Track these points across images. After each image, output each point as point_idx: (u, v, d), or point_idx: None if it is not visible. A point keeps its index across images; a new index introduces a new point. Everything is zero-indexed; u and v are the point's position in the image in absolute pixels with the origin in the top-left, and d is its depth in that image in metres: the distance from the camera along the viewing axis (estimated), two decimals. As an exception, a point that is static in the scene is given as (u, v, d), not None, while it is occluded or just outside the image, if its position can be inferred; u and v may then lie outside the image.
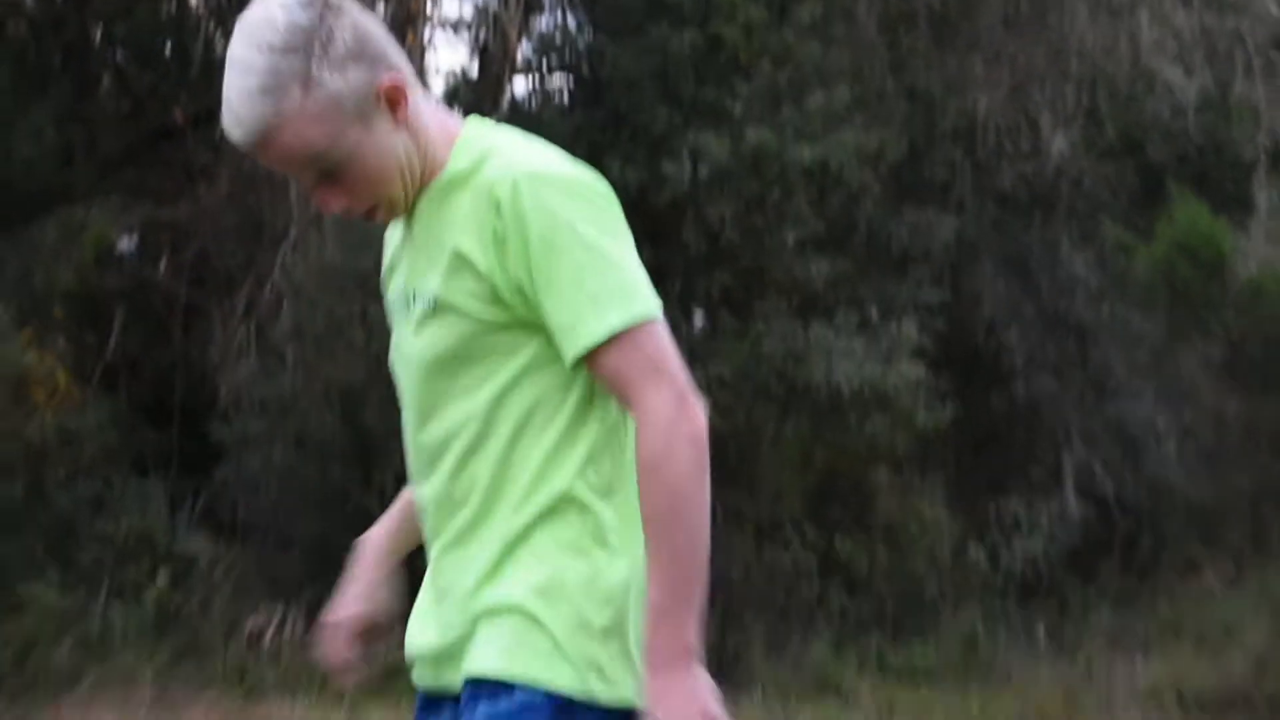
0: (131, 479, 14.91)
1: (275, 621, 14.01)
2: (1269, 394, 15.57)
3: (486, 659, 2.66)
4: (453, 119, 2.97)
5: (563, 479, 2.67)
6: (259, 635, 13.90)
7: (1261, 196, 16.43)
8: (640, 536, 2.62)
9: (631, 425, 2.62)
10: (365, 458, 14.09)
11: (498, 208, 2.61)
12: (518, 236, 2.61)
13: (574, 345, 2.57)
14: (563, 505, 2.66)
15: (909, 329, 15.15)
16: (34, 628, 12.95)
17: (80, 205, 16.49)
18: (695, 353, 14.10)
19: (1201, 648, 14.85)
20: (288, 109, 2.60)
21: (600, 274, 2.62)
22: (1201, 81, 17.27)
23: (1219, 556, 17.33)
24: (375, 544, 3.23)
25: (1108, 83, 16.94)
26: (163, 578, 13.98)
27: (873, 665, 14.46)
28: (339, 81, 2.64)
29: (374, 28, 2.84)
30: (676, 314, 15.05)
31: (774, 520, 15.06)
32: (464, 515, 2.74)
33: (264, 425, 14.75)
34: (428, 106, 2.91)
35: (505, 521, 2.71)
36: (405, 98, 2.71)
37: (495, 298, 2.65)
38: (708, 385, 15.14)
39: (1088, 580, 17.24)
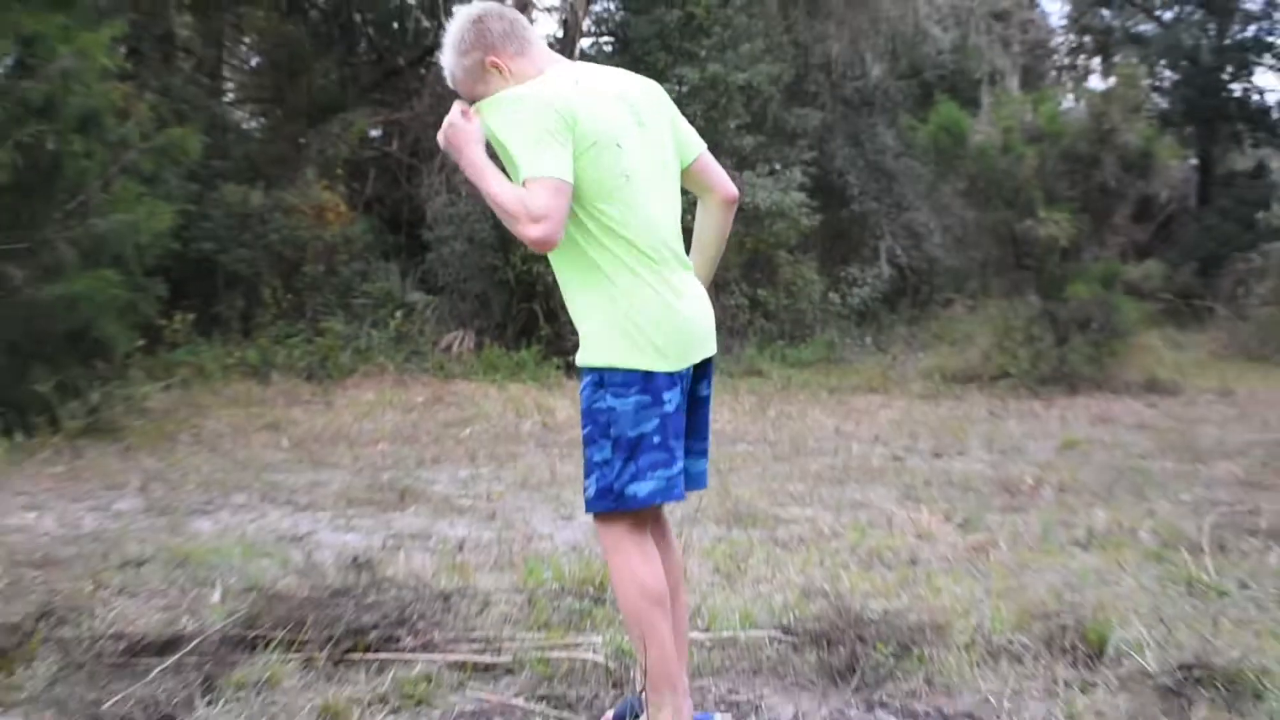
0: (380, 261, 19.31)
1: (457, 339, 18.46)
2: (987, 209, 18.25)
3: None
4: (549, 61, 4.26)
5: None
6: (449, 346, 18.28)
7: (984, 100, 20.58)
8: (603, 290, 3.96)
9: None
10: (505, 247, 18.07)
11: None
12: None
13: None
14: None
15: (795, 174, 19.50)
16: (330, 343, 17.07)
17: (350, 112, 20.02)
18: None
19: (953, 347, 19.30)
20: (455, 72, 4.19)
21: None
22: (952, 35, 21.87)
23: (963, 297, 21.66)
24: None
25: (902, 36, 21.24)
26: (398, 315, 18.05)
27: (779, 359, 18.82)
28: (468, 60, 4.14)
29: (495, 26, 4.19)
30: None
31: (724, 281, 18.66)
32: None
33: (450, 230, 18.88)
34: (531, 61, 4.17)
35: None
36: (502, 65, 4.11)
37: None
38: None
39: (893, 311, 22.38)
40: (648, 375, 3.92)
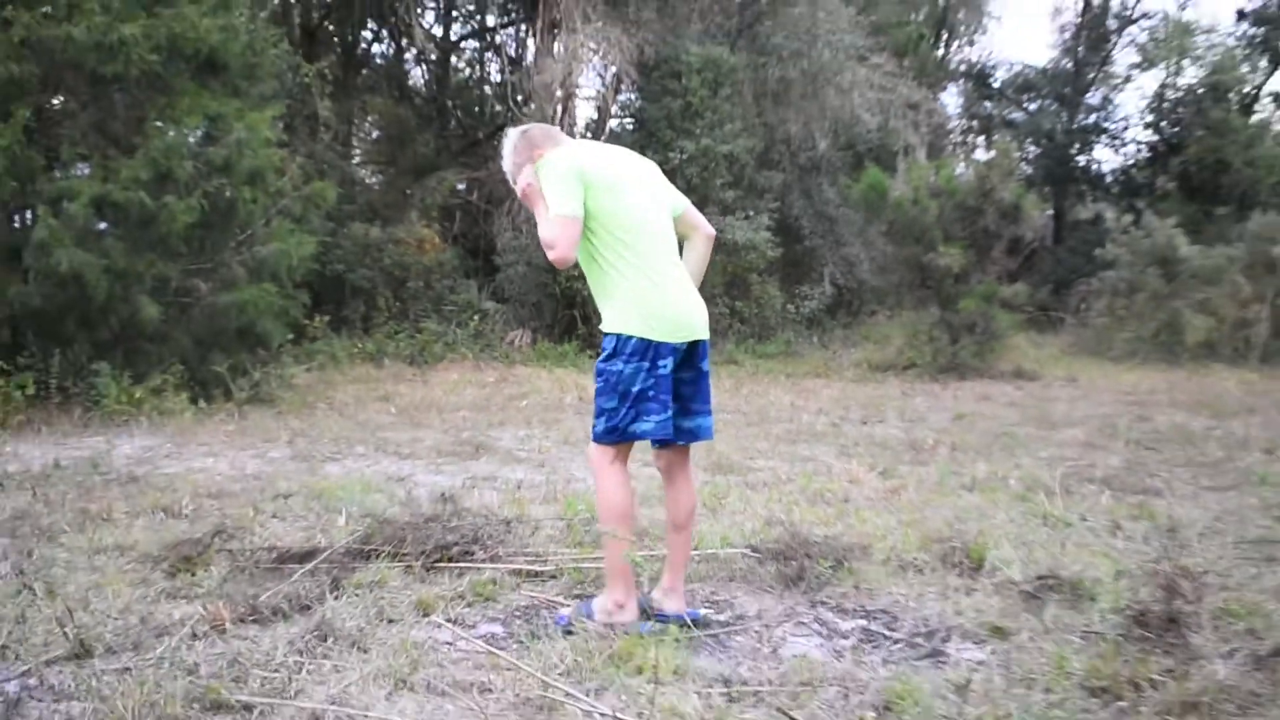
0: (463, 279, 19.13)
1: (518, 336, 18.25)
2: (902, 245, 17.81)
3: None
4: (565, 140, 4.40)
5: None
6: (513, 341, 18.11)
7: (900, 166, 19.96)
8: (622, 295, 4.14)
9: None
10: (553, 269, 16.84)
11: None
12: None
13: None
14: None
15: (763, 219, 19.22)
16: (426, 338, 17.09)
17: (443, 171, 20.20)
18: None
19: (876, 345, 19.17)
20: (513, 171, 4.37)
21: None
22: (878, 119, 21.36)
23: (884, 308, 21.69)
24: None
25: (842, 120, 20.95)
26: (476, 318, 18.03)
27: (750, 352, 18.56)
28: (520, 158, 4.32)
29: (536, 133, 4.40)
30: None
31: (711, 296, 17.21)
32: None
33: (514, 257, 18.65)
34: (560, 147, 4.31)
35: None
36: (545, 155, 4.22)
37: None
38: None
39: (833, 318, 21.83)
40: (647, 344, 4.09)
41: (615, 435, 4.16)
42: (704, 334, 4.28)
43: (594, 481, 4.33)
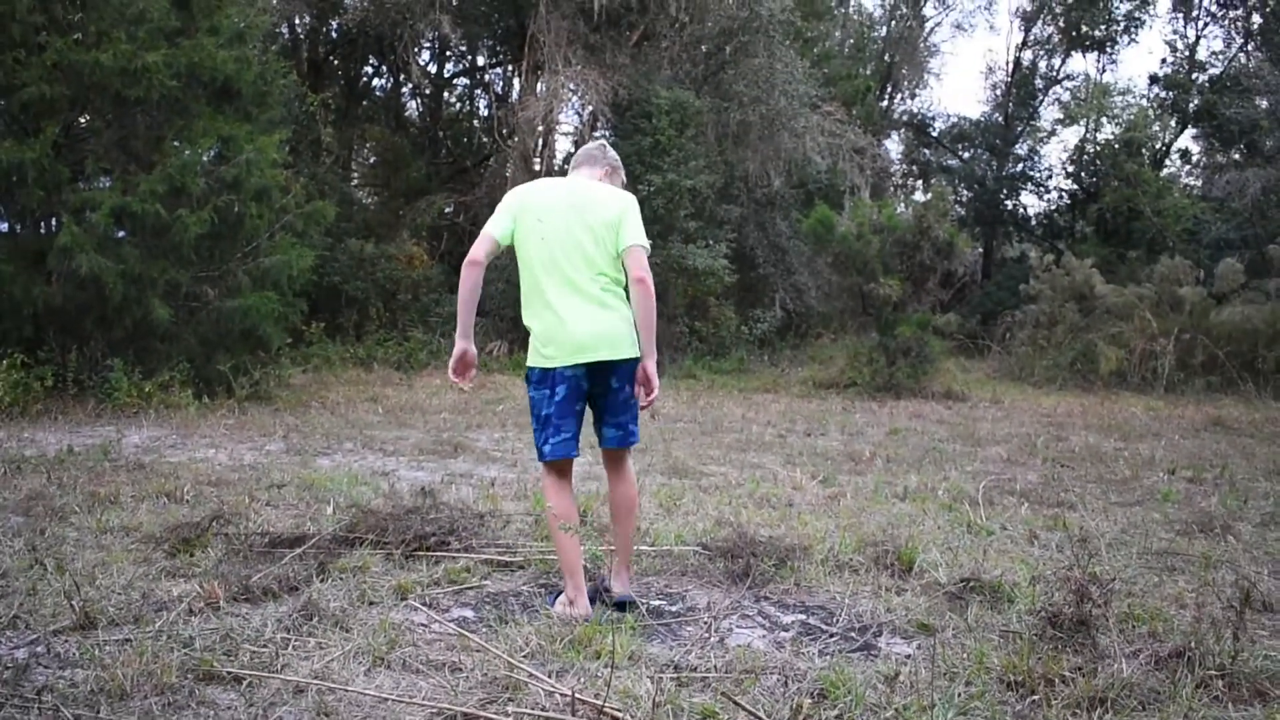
0: (448, 294, 18.85)
1: (497, 346, 18.20)
2: (846, 275, 18.59)
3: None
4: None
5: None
6: (491, 352, 17.92)
7: (846, 204, 20.53)
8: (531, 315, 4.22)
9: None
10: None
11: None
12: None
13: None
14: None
15: (721, 248, 19.07)
16: (413, 346, 17.31)
17: (433, 195, 20.49)
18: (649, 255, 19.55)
19: (821, 365, 18.77)
20: (601, 162, 4.47)
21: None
22: (827, 161, 21.62)
23: (828, 332, 21.79)
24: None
25: (795, 160, 20.87)
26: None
27: (707, 368, 18.50)
28: (605, 165, 4.43)
29: (618, 168, 4.54)
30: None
31: (674, 316, 18.67)
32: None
33: (494, 275, 17.14)
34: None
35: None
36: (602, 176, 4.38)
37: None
38: (656, 269, 20.25)
39: (783, 339, 21.82)
40: (545, 372, 4.13)
41: (540, 455, 4.26)
42: (606, 355, 4.14)
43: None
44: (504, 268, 17.72)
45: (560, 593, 4.29)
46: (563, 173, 4.59)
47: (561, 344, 4.10)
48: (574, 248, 4.16)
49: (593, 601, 4.28)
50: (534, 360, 4.16)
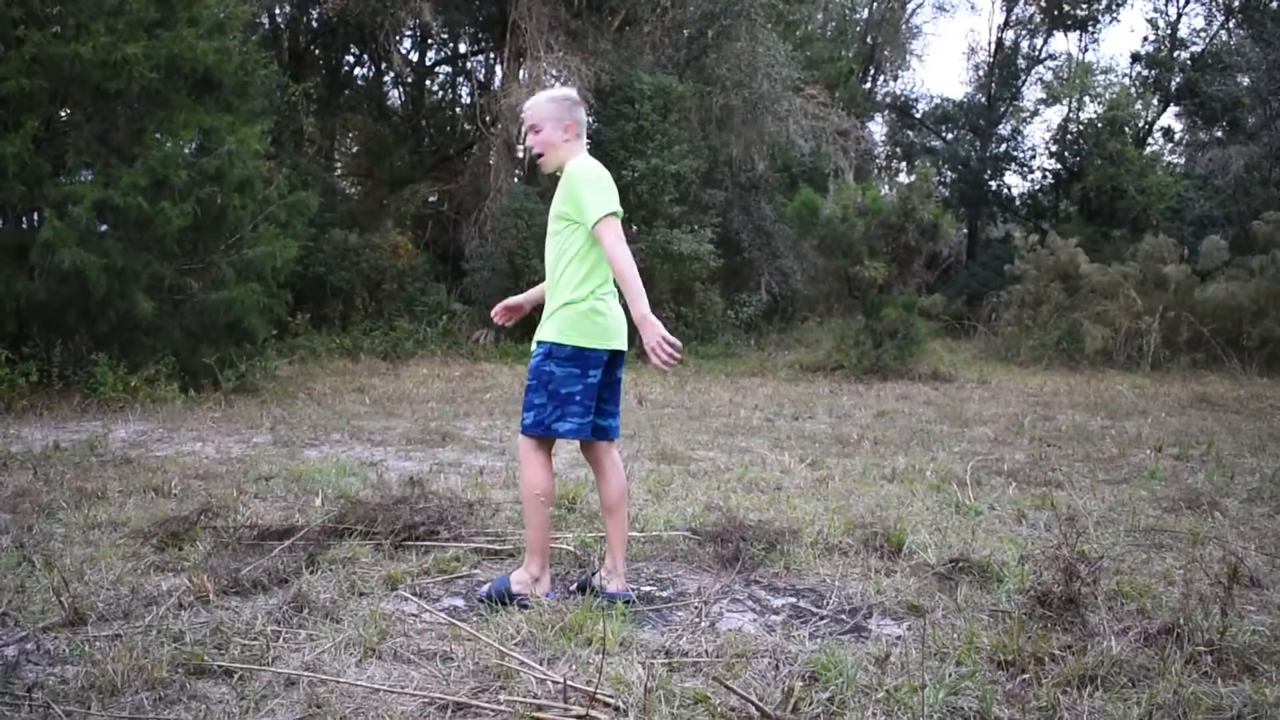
0: (433, 283, 19.20)
1: (483, 335, 18.29)
2: (831, 258, 18.76)
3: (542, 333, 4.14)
4: (579, 150, 4.24)
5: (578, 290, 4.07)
6: (478, 339, 18.18)
7: (830, 187, 20.43)
8: (596, 291, 4.07)
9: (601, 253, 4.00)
10: (515, 274, 17.58)
11: (567, 179, 4.07)
12: (570, 188, 4.05)
13: (589, 221, 3.98)
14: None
15: (707, 232, 19.18)
16: (399, 336, 17.24)
17: (417, 184, 20.40)
18: (631, 239, 16.82)
19: (807, 348, 18.79)
20: (538, 110, 4.19)
21: (593, 199, 3.97)
22: (810, 144, 21.71)
23: (814, 315, 21.58)
24: (529, 292, 4.59)
25: (778, 144, 21.09)
26: (444, 318, 18.15)
27: (694, 353, 18.11)
28: (560, 113, 4.17)
29: (579, 113, 4.28)
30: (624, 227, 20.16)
31: (659, 301, 18.04)
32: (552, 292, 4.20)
33: (480, 264, 18.58)
34: (578, 145, 4.23)
35: (555, 298, 4.16)
36: (568, 135, 4.18)
37: (568, 214, 4.08)
38: (635, 254, 20.16)
39: (769, 323, 21.73)
40: (582, 351, 4.06)
41: (540, 430, 4.14)
42: (623, 344, 4.22)
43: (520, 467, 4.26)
44: (488, 255, 18.29)
45: (500, 579, 4.26)
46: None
47: (606, 329, 4.10)
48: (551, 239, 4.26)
49: (581, 592, 4.28)
50: (570, 338, 4.07)
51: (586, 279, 4.11)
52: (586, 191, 4.04)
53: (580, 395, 4.10)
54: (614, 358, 4.21)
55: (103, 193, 10.43)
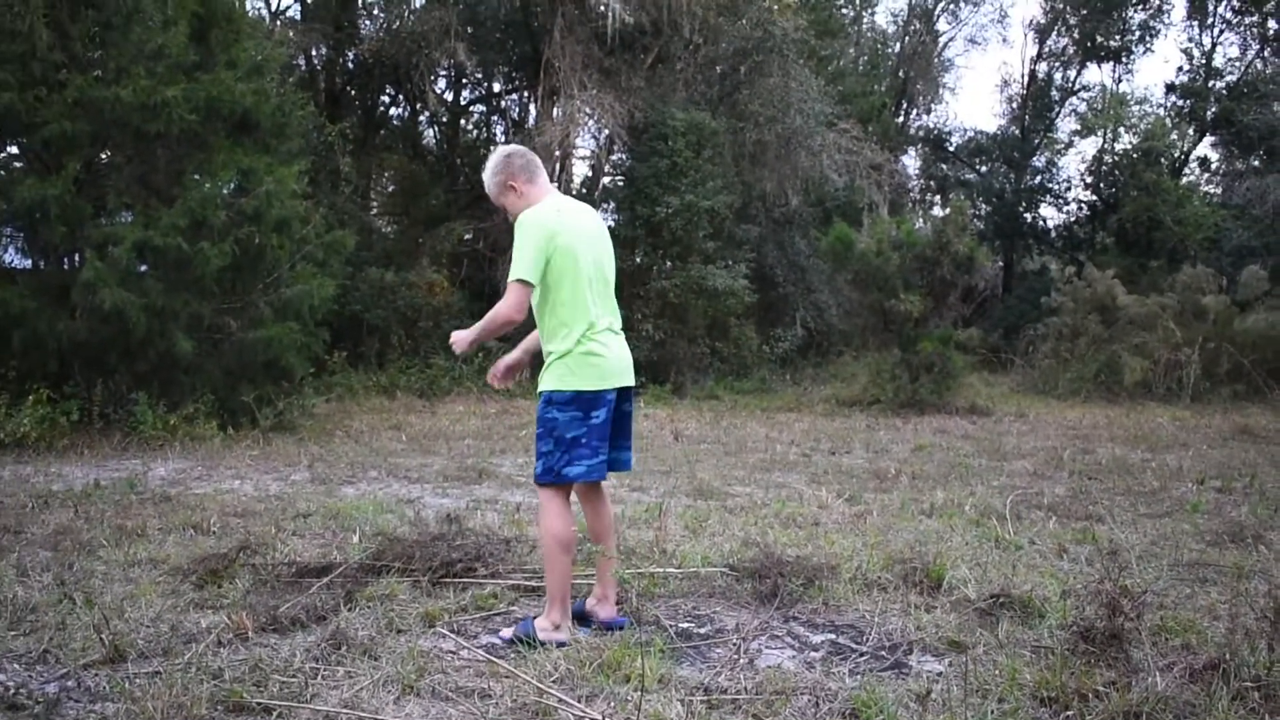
0: (469, 320, 17.42)
1: (519, 371, 20.10)
2: (867, 292, 18.87)
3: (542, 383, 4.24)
4: (546, 191, 4.31)
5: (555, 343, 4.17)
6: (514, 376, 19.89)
7: (865, 221, 20.79)
8: (567, 335, 4.14)
9: (577, 295, 4.08)
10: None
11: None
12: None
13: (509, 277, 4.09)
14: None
15: (741, 268, 19.10)
16: (435, 373, 17.34)
17: (452, 222, 20.18)
18: (666, 276, 18.59)
19: (843, 382, 18.62)
20: (490, 185, 4.33)
21: (515, 257, 4.06)
22: (844, 179, 21.59)
23: (850, 349, 21.22)
24: (523, 344, 4.57)
25: (812, 179, 20.91)
26: (480, 355, 16.63)
27: (729, 389, 18.36)
28: (497, 179, 4.26)
29: (517, 161, 4.31)
30: (655, 261, 18.97)
31: (694, 336, 18.77)
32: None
33: None
34: (538, 189, 4.28)
35: (548, 348, 4.28)
36: (516, 189, 4.24)
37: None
38: (670, 290, 18.00)
39: (804, 358, 21.69)
40: (581, 395, 4.11)
41: (550, 476, 4.18)
42: (630, 380, 4.32)
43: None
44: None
45: (524, 622, 4.26)
46: (579, 197, 4.48)
47: (604, 370, 4.15)
48: (605, 277, 4.34)
49: (580, 622, 4.38)
50: (567, 383, 4.13)
51: (570, 327, 4.19)
52: (515, 248, 4.16)
53: (586, 438, 4.14)
54: (621, 393, 4.29)
55: (143, 233, 10.54)
